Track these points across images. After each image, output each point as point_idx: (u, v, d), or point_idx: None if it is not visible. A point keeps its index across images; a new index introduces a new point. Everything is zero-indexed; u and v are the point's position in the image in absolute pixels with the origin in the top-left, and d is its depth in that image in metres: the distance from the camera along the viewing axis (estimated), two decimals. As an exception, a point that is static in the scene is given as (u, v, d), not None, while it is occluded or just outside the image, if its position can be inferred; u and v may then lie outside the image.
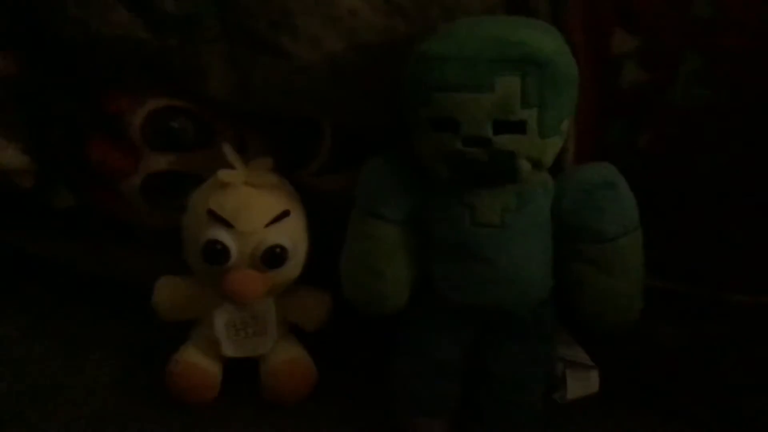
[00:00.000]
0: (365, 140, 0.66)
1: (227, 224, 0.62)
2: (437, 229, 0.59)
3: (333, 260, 0.63)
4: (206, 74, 0.64)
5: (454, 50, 0.52)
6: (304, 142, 0.70)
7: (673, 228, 0.62)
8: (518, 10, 0.59)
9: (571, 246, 0.58)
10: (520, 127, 0.53)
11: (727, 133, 0.60)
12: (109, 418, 0.65)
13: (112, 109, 0.67)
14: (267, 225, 0.63)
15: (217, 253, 0.62)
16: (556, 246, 0.58)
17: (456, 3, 0.59)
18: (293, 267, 0.66)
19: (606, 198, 0.57)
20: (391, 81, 0.57)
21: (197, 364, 0.66)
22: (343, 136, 0.69)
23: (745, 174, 0.60)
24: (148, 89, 0.66)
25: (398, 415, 0.64)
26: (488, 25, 0.54)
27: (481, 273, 0.57)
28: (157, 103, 0.66)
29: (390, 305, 0.61)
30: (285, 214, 0.64)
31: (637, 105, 0.61)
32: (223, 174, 0.63)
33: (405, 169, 0.60)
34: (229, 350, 0.66)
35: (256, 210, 0.63)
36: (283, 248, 0.63)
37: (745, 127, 0.59)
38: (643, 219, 0.57)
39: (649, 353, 0.66)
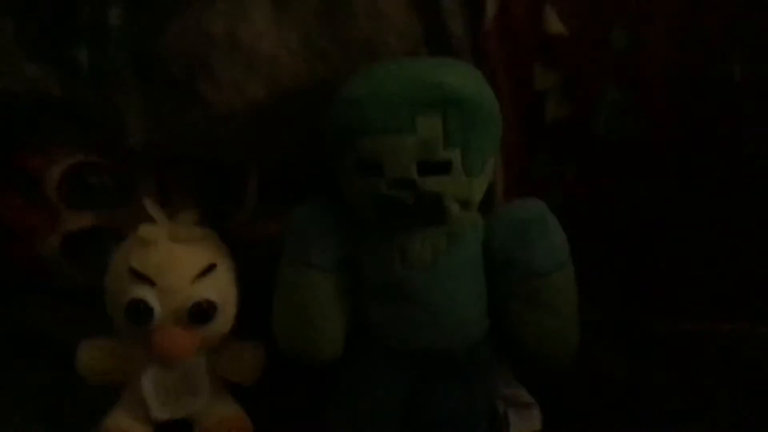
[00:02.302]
0: (295, 185, 0.65)
1: (150, 282, 0.60)
2: (369, 273, 0.58)
3: (266, 310, 0.61)
4: (124, 126, 0.62)
5: (374, 92, 0.52)
6: (230, 190, 0.68)
7: (604, 260, 0.63)
8: (439, 50, 0.60)
9: (504, 284, 0.57)
10: (445, 168, 0.53)
11: (652, 164, 0.61)
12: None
13: (26, 166, 0.64)
14: (193, 280, 0.61)
15: (140, 312, 0.60)
16: (489, 284, 0.58)
17: (376, 46, 0.59)
18: (223, 321, 0.63)
19: (536, 234, 0.57)
20: (316, 125, 0.57)
21: (126, 429, 0.63)
22: (272, 182, 0.68)
23: (671, 202, 0.61)
24: (63, 145, 0.64)
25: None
26: (408, 67, 0.55)
27: (415, 316, 0.57)
28: (73, 159, 0.64)
29: (325, 354, 0.60)
30: (211, 267, 0.62)
31: (561, 139, 0.61)
32: (144, 230, 0.61)
33: (334, 213, 0.59)
34: (159, 413, 0.63)
35: (180, 266, 0.61)
36: (210, 303, 0.61)
37: (669, 158, 0.60)
38: (574, 253, 0.57)
39: (590, 386, 0.65)
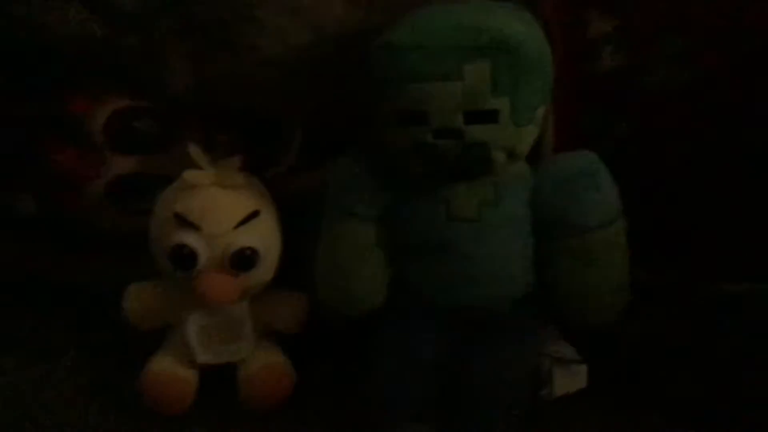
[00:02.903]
0: (337, 137, 0.64)
1: (194, 227, 0.60)
2: (411, 226, 0.57)
3: (309, 261, 0.61)
4: (166, 71, 0.62)
5: (420, 39, 0.51)
6: (274, 139, 0.68)
7: (658, 217, 0.60)
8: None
9: (551, 239, 0.56)
10: (492, 117, 0.51)
11: (709, 118, 0.58)
12: (81, 429, 0.63)
13: (73, 111, 0.65)
14: (236, 226, 0.61)
15: (184, 257, 0.60)
16: (536, 239, 0.57)
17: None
18: (266, 269, 0.63)
19: (587, 188, 0.55)
20: (359, 73, 0.55)
21: (171, 373, 0.64)
22: (315, 133, 0.67)
23: (727, 159, 0.58)
24: (109, 90, 0.65)
25: (379, 420, 0.62)
26: (455, 11, 0.52)
27: (458, 270, 0.56)
28: (119, 103, 0.65)
29: (365, 306, 0.59)
30: (254, 214, 0.62)
31: (615, 90, 0.59)
32: (189, 175, 0.61)
33: (376, 164, 0.58)
34: (203, 357, 0.64)
35: (224, 211, 0.61)
36: (253, 250, 0.61)
37: (727, 111, 0.57)
38: (626, 208, 0.56)
39: (638, 346, 0.64)
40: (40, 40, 0.62)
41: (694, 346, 0.63)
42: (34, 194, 0.70)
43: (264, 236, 0.63)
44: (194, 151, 0.62)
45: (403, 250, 0.58)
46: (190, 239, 0.60)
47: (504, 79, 0.50)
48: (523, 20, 0.52)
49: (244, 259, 0.61)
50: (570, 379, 0.62)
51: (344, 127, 0.64)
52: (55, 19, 0.61)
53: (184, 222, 0.60)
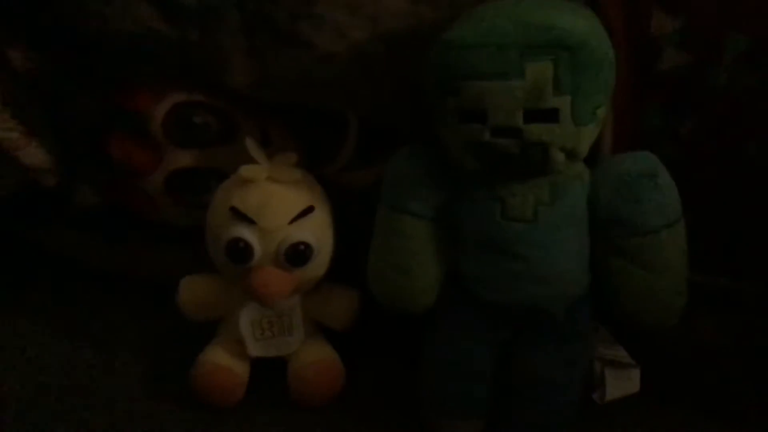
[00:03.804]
0: (393, 134, 0.64)
1: (250, 221, 0.61)
2: (466, 224, 0.56)
3: (362, 258, 0.61)
4: (227, 67, 0.62)
5: (482, 37, 0.50)
6: (329, 136, 0.68)
7: (717, 220, 0.59)
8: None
9: (609, 240, 0.55)
10: (552, 116, 0.50)
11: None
12: (137, 420, 0.64)
13: (133, 105, 0.66)
14: (291, 222, 0.61)
15: (240, 251, 0.61)
16: (593, 240, 0.56)
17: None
18: (319, 265, 0.64)
19: (646, 189, 0.54)
20: (417, 70, 0.55)
21: (222, 365, 0.65)
22: (370, 130, 0.67)
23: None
24: (168, 84, 0.66)
25: (429, 418, 0.62)
26: (517, 9, 0.52)
27: (513, 270, 0.55)
28: (178, 98, 0.65)
29: (418, 304, 0.59)
30: (309, 210, 0.62)
31: (678, 90, 0.58)
32: (246, 170, 0.62)
33: (433, 162, 0.58)
34: (254, 350, 0.65)
35: (279, 206, 0.61)
36: (307, 245, 0.61)
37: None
38: (686, 211, 0.55)
39: (692, 351, 0.63)
40: (103, 34, 0.62)
41: (748, 350, 0.62)
42: (93, 186, 0.71)
43: (318, 232, 0.63)
44: (251, 146, 0.63)
45: (458, 249, 0.57)
46: (246, 233, 0.61)
47: (566, 77, 0.49)
48: (586, 18, 0.51)
49: (298, 254, 0.61)
50: (623, 383, 0.61)
51: (401, 123, 0.64)
52: (119, 13, 0.61)
53: (240, 216, 0.61)
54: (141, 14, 0.61)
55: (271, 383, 0.66)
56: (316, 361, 0.65)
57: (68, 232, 0.76)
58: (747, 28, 0.55)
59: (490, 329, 0.59)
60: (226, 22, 0.60)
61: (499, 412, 0.61)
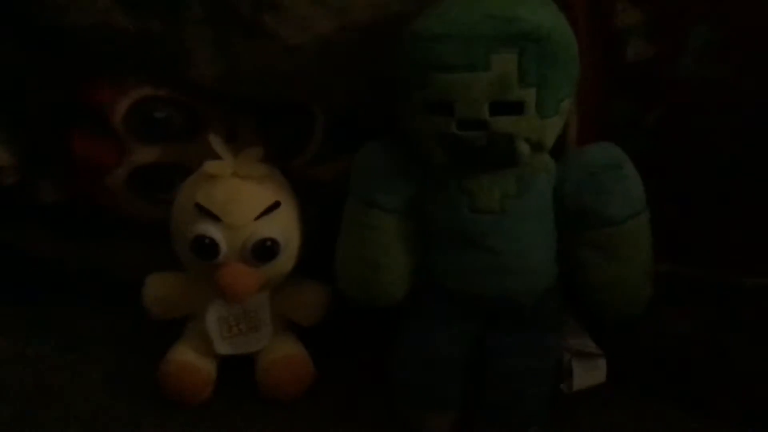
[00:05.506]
0: (360, 127, 0.64)
1: (215, 218, 0.60)
2: (435, 217, 0.56)
3: (330, 252, 0.61)
4: (190, 59, 0.61)
5: (448, 28, 0.50)
6: (296, 130, 0.68)
7: (682, 210, 0.60)
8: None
9: (575, 231, 0.55)
10: (518, 108, 0.51)
11: (739, 109, 0.57)
12: (104, 419, 0.63)
13: (94, 100, 0.64)
14: (257, 218, 0.61)
15: (205, 247, 0.60)
16: (560, 232, 0.56)
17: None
18: (286, 260, 0.63)
19: (611, 180, 0.54)
20: (384, 62, 0.55)
21: (190, 363, 0.64)
22: (337, 123, 0.67)
23: (757, 152, 0.57)
24: (130, 78, 0.64)
25: (402, 410, 0.62)
26: (483, 1, 0.51)
27: (482, 262, 0.55)
28: (140, 92, 0.64)
29: (387, 298, 0.59)
30: (275, 205, 0.62)
31: (643, 81, 0.58)
32: (211, 166, 0.61)
33: (401, 155, 0.57)
34: (222, 348, 0.65)
35: (244, 202, 0.61)
36: (274, 241, 0.61)
37: (759, 102, 0.56)
38: (651, 201, 0.55)
39: (658, 340, 0.64)
40: (63, 26, 0.61)
41: (715, 340, 0.62)
42: (54, 182, 0.70)
43: (284, 227, 0.62)
44: (215, 141, 0.62)
45: (427, 242, 0.57)
46: (211, 230, 0.60)
47: (531, 69, 0.49)
48: (551, 10, 0.52)
49: (264, 251, 0.61)
50: (590, 373, 0.61)
51: (368, 117, 0.63)
52: (76, 5, 0.60)
53: (205, 213, 0.60)
54: (100, 6, 0.60)
55: (241, 380, 0.65)
56: (284, 356, 0.65)
57: (32, 230, 0.75)
58: (711, 18, 0.56)
59: (462, 321, 0.59)
60: (188, 13, 0.59)
61: (473, 403, 0.61)
